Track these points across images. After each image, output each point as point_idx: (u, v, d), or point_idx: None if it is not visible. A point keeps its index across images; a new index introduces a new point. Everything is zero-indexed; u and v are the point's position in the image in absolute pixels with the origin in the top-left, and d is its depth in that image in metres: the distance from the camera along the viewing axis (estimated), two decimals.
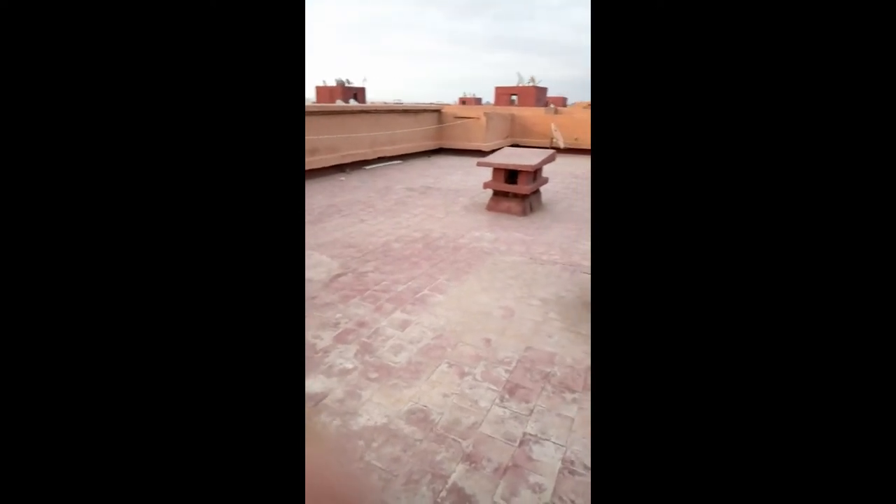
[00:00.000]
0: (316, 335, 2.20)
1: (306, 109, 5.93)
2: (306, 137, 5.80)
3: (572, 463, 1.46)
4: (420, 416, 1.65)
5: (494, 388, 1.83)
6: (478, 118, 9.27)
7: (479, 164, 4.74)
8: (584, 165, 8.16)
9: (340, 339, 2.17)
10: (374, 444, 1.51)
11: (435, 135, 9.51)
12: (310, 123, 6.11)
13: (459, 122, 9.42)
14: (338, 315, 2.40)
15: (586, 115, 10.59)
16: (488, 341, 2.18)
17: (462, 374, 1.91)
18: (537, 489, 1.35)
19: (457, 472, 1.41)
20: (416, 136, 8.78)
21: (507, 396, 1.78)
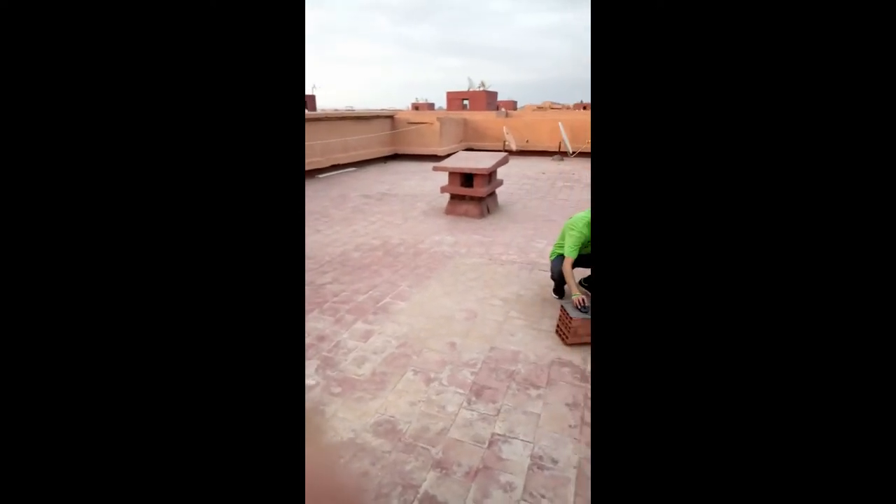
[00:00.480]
0: None
1: None
2: None
3: (541, 458, 1.48)
4: (387, 428, 1.62)
5: (461, 391, 1.83)
6: (431, 123, 9.32)
7: (434, 169, 4.76)
8: (535, 167, 8.42)
9: None
10: (342, 461, 1.46)
11: (389, 140, 9.45)
12: None
13: (414, 127, 9.43)
14: None
15: (536, 118, 10.94)
16: (453, 345, 2.18)
17: (428, 381, 1.89)
18: (508, 488, 1.36)
19: (428, 481, 1.39)
20: (369, 142, 8.68)
21: (473, 399, 1.78)
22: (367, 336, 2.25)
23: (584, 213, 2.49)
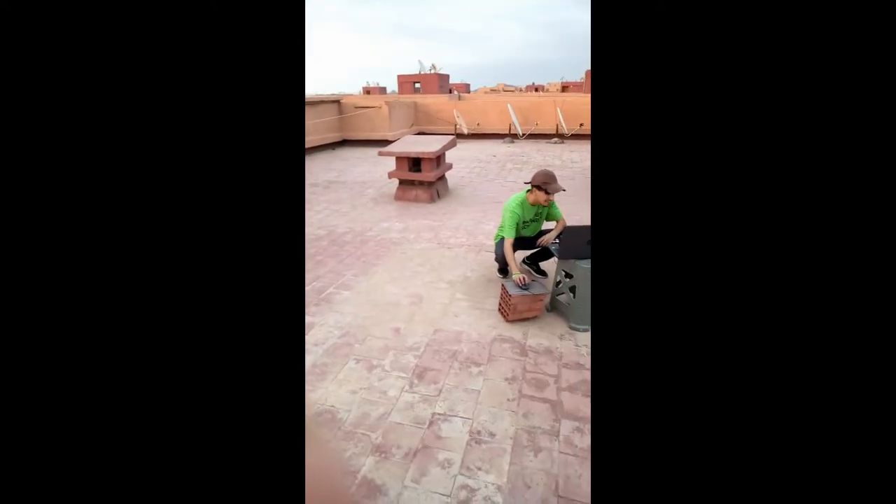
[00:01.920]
0: None
1: None
2: None
3: (479, 433, 1.53)
4: (327, 417, 1.60)
5: (404, 375, 1.84)
6: (380, 107, 9.09)
7: (380, 154, 4.67)
8: (487, 150, 8.48)
9: None
10: None
11: (337, 126, 9.13)
12: None
13: (362, 111, 9.16)
14: None
15: (487, 101, 10.97)
16: (397, 330, 2.18)
17: (371, 368, 1.89)
18: (446, 465, 1.40)
19: (366, 465, 1.39)
20: (316, 128, 8.34)
21: (416, 381, 1.80)
22: (308, 328, 2.20)
23: (517, 195, 2.55)
